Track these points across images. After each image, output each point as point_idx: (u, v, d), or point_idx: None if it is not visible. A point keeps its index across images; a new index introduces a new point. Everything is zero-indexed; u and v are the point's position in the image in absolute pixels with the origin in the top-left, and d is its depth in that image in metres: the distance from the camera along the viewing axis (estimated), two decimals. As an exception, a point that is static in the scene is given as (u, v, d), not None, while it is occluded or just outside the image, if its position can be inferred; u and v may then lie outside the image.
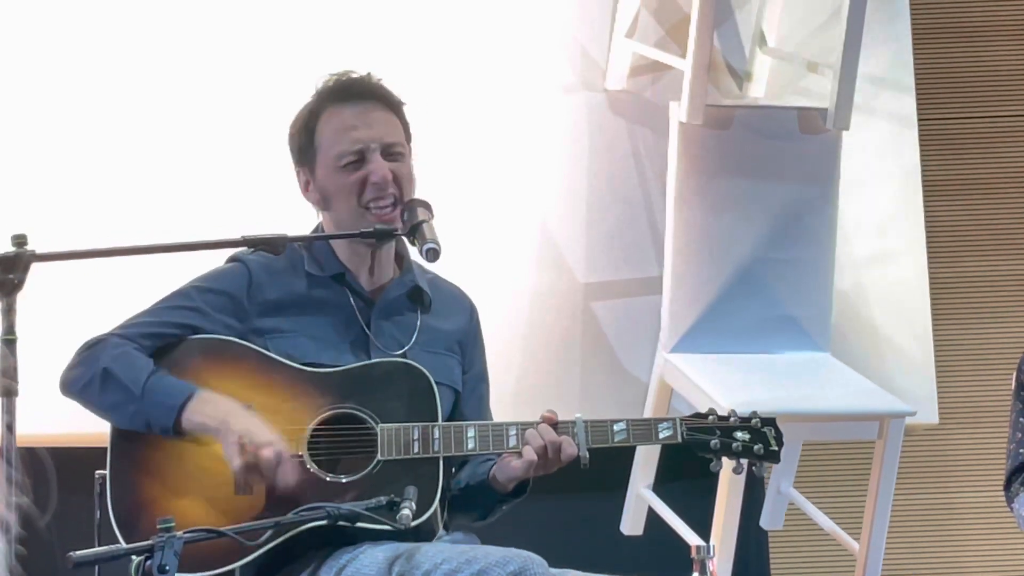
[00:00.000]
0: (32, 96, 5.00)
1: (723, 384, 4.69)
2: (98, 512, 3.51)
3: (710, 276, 4.91)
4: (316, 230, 3.61)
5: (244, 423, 3.30)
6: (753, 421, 3.49)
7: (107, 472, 3.38)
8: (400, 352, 3.50)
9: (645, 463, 4.94)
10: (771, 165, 4.97)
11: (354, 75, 3.56)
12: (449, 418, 3.50)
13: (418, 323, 3.56)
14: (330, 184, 3.52)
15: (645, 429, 3.45)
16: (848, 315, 5.25)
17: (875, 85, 5.37)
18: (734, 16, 5.31)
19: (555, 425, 3.41)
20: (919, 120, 5.48)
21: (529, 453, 3.37)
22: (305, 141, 3.55)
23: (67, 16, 5.03)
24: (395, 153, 3.52)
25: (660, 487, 4.96)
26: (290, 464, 3.29)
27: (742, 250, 4.92)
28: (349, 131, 3.51)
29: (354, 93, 3.54)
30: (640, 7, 5.26)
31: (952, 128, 5.87)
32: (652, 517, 4.96)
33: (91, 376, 3.38)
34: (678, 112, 4.89)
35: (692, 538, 4.70)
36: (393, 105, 3.55)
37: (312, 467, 3.35)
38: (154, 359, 3.41)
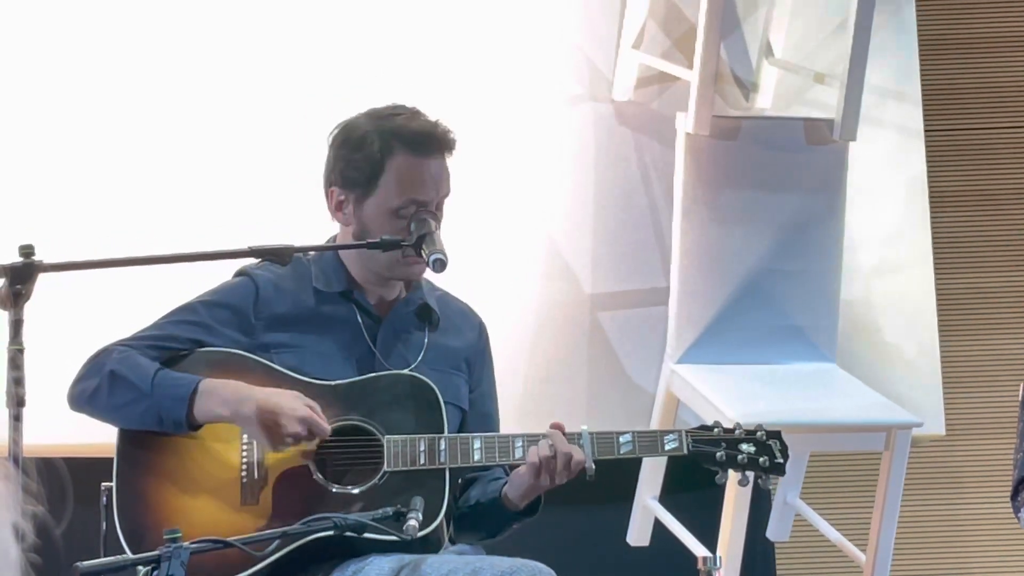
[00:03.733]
0: (39, 106, 5.00)
1: (730, 395, 4.69)
2: (104, 524, 3.51)
3: (716, 287, 4.91)
4: (330, 243, 3.60)
5: (257, 405, 3.30)
6: (759, 434, 3.49)
7: (113, 483, 3.38)
8: (406, 370, 3.50)
9: (651, 474, 4.93)
10: (778, 176, 4.97)
11: (439, 129, 3.50)
12: (455, 436, 3.50)
13: (425, 341, 3.55)
14: (376, 225, 3.47)
15: (651, 441, 3.46)
16: (855, 326, 5.25)
17: (882, 96, 5.36)
18: (741, 27, 5.31)
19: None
20: (926, 131, 5.47)
21: (533, 455, 3.37)
22: (366, 175, 3.48)
23: (75, 25, 5.03)
24: (442, 206, 3.51)
25: (666, 498, 4.96)
26: (319, 415, 3.30)
27: (748, 261, 4.92)
28: (419, 185, 3.46)
29: (432, 148, 3.48)
30: (647, 18, 5.27)
31: (959, 139, 5.87)
32: (658, 528, 4.96)
33: (98, 383, 3.38)
34: (685, 123, 4.89)
35: (699, 549, 4.69)
36: (452, 152, 3.52)
37: (319, 478, 3.35)
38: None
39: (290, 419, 3.30)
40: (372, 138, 3.50)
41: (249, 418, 3.30)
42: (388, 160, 3.48)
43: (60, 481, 2.86)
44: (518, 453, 3.39)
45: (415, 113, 3.54)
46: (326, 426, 3.32)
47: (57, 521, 2.53)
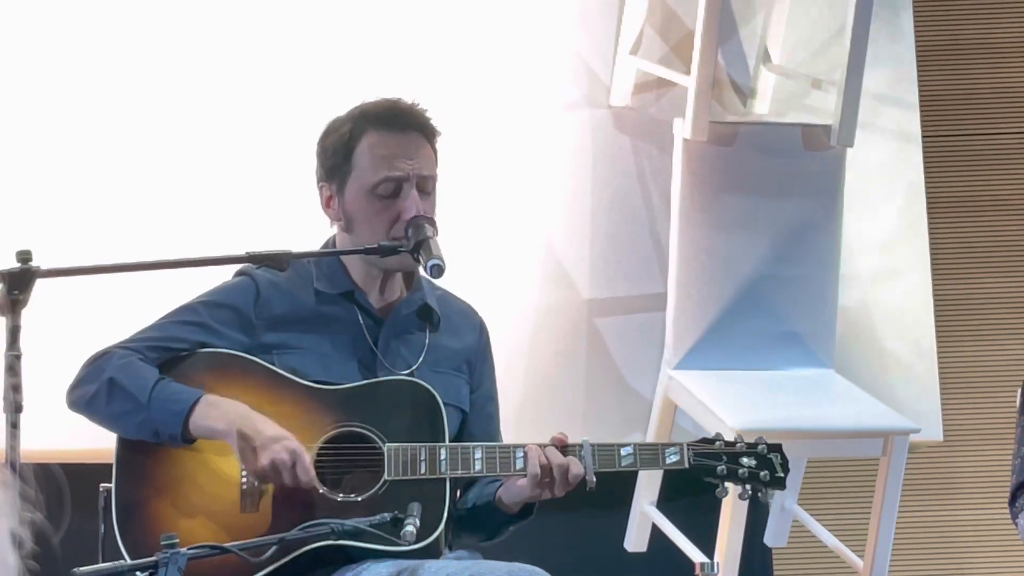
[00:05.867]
0: (36, 111, 4.99)
1: (727, 401, 4.69)
2: (102, 526, 3.51)
3: (714, 293, 4.91)
4: (327, 245, 3.60)
5: (254, 426, 3.30)
6: (759, 447, 3.48)
7: (112, 488, 3.38)
8: (407, 372, 3.50)
9: (649, 480, 4.93)
10: (775, 182, 4.97)
11: (402, 103, 3.53)
12: (456, 438, 3.49)
13: (426, 342, 3.55)
14: (358, 209, 3.50)
15: (652, 454, 3.46)
16: (852, 332, 5.25)
17: (879, 102, 5.37)
18: (738, 33, 5.31)
19: (563, 448, 3.40)
20: (923, 137, 5.48)
21: (533, 467, 3.37)
22: (340, 159, 3.51)
23: (73, 27, 5.03)
24: (427, 188, 3.50)
25: (664, 504, 4.96)
26: (307, 461, 3.29)
27: (746, 267, 4.92)
28: (391, 160, 3.47)
29: (401, 123, 3.50)
30: (645, 24, 5.27)
31: (956, 145, 5.87)
32: (656, 534, 4.96)
33: (97, 388, 3.37)
34: (682, 129, 4.90)
35: (696, 555, 4.69)
36: (432, 137, 3.53)
37: (319, 487, 3.34)
38: (160, 372, 3.41)
39: (279, 445, 3.27)
40: (343, 122, 3.54)
41: (240, 435, 3.29)
42: (359, 140, 3.51)
43: (57, 487, 2.86)
44: (519, 464, 3.38)
45: (395, 100, 3.56)
46: (311, 471, 3.30)
47: (55, 528, 2.53)
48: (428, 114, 3.54)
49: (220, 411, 3.33)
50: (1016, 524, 3.96)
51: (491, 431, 3.63)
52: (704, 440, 3.49)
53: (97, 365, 3.41)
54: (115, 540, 3.34)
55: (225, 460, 3.36)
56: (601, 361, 5.18)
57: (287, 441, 3.29)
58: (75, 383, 3.43)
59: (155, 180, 5.02)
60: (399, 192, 3.47)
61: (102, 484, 3.48)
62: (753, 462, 3.47)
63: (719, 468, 3.45)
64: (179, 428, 3.33)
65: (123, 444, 3.40)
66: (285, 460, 3.28)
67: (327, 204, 3.57)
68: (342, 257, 3.55)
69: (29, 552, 2.38)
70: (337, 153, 3.52)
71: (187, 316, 3.48)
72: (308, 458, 3.30)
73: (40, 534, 2.41)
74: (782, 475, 3.47)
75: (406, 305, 3.56)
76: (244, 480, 3.36)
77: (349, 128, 3.52)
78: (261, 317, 3.48)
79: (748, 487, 3.46)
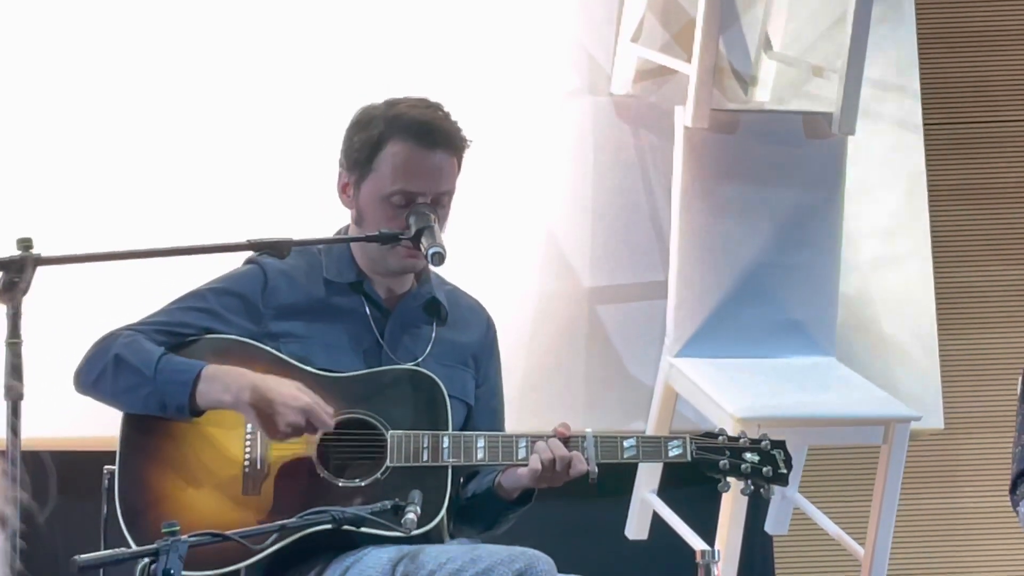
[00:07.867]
0: (38, 98, 4.99)
1: (728, 389, 4.69)
2: (105, 508, 3.51)
3: (715, 281, 4.90)
4: (340, 233, 3.60)
5: (261, 394, 3.30)
6: (763, 443, 3.48)
7: (116, 468, 3.38)
8: (413, 364, 3.50)
9: (650, 468, 4.93)
10: (776, 170, 4.97)
11: (438, 118, 3.50)
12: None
13: (433, 335, 3.55)
14: (370, 209, 3.50)
15: (655, 447, 3.46)
16: (853, 320, 5.25)
17: (880, 90, 5.36)
18: (740, 20, 5.31)
19: (567, 440, 3.40)
20: (924, 125, 5.47)
21: (535, 462, 3.37)
22: (364, 156, 3.50)
23: (74, 17, 5.03)
24: (442, 203, 3.49)
25: (665, 492, 4.96)
26: (320, 414, 3.29)
27: (747, 255, 4.92)
28: (410, 175, 3.46)
29: (431, 140, 3.47)
30: (646, 11, 5.26)
31: (958, 133, 5.86)
32: (657, 522, 4.96)
33: (103, 366, 3.38)
34: (683, 116, 4.89)
35: (697, 543, 4.70)
36: (460, 152, 3.51)
37: (321, 471, 3.35)
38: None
39: (289, 409, 3.30)
40: (377, 122, 3.52)
41: (249, 405, 3.31)
42: (385, 145, 3.49)
43: (43, 470, 2.87)
44: (521, 454, 3.39)
45: (431, 106, 3.53)
46: (327, 419, 3.32)
47: (41, 507, 2.54)
48: (460, 125, 3.52)
49: (225, 382, 3.34)
50: (1017, 512, 3.96)
51: (496, 426, 3.63)
52: (707, 434, 3.49)
53: (103, 345, 3.42)
54: (118, 523, 3.34)
55: (228, 441, 3.37)
56: (602, 349, 5.18)
57: (297, 400, 3.30)
58: (82, 364, 3.44)
59: (159, 169, 5.01)
60: (412, 204, 3.46)
61: (106, 467, 3.48)
62: (756, 458, 3.47)
63: (722, 463, 3.45)
64: (186, 398, 3.33)
65: (127, 424, 3.41)
66: (300, 423, 3.29)
67: (343, 190, 3.56)
68: (352, 247, 3.55)
69: (15, 532, 2.38)
70: (363, 150, 3.50)
71: (195, 302, 3.48)
72: (321, 408, 3.30)
73: (27, 513, 2.42)
74: (785, 471, 3.48)
75: (414, 298, 3.57)
76: (247, 462, 3.37)
77: (379, 131, 3.49)
78: (269, 306, 3.49)
79: (750, 482, 3.47)
